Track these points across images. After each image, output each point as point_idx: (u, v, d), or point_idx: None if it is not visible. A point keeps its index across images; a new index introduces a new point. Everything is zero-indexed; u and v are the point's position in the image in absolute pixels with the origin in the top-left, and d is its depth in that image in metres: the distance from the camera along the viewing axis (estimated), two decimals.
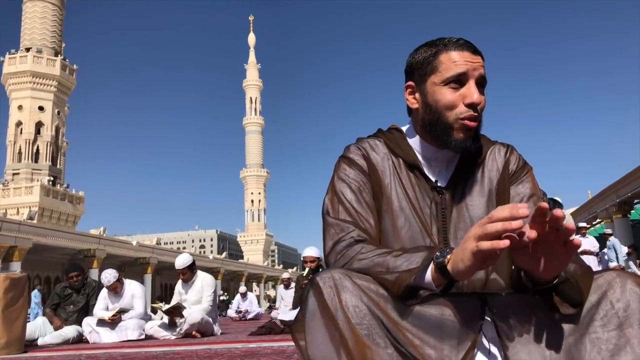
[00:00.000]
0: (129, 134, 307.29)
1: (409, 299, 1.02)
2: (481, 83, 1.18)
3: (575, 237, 0.92)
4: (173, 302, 6.68)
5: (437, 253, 1.01)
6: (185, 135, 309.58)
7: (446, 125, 1.17)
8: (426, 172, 1.25)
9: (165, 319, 6.52)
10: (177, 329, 6.36)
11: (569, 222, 0.91)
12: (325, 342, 0.98)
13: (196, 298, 6.68)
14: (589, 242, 10.01)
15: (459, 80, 1.16)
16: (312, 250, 6.95)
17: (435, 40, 1.23)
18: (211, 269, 42.38)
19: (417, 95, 1.24)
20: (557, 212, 0.88)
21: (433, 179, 1.24)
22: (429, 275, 1.01)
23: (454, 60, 1.16)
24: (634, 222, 22.95)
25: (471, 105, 1.15)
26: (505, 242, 0.86)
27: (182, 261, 6.71)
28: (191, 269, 6.73)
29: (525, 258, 0.97)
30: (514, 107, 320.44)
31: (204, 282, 6.78)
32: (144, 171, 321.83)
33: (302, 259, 7.20)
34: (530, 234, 0.89)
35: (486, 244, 0.88)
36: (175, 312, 6.42)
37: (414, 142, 1.28)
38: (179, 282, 6.91)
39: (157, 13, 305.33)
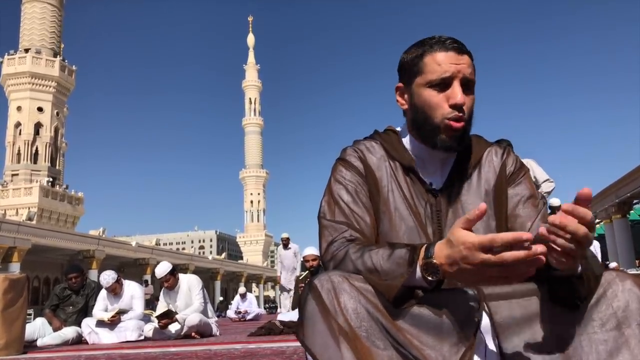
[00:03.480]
0: (128, 134, 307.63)
1: (406, 300, 1.02)
2: (467, 84, 1.19)
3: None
4: (160, 309, 6.55)
5: (423, 266, 0.99)
6: (185, 136, 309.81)
7: (432, 126, 1.18)
8: (421, 173, 1.25)
9: (157, 324, 6.43)
10: (174, 331, 6.34)
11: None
12: (326, 345, 0.98)
13: (186, 302, 6.58)
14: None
15: (443, 83, 1.17)
16: (312, 249, 6.95)
17: (424, 39, 1.23)
18: (210, 270, 42.46)
19: (405, 96, 1.26)
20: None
21: (427, 181, 1.25)
22: (419, 273, 1.01)
23: (439, 63, 1.17)
24: (633, 222, 22.98)
25: (455, 106, 1.16)
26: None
27: (162, 269, 6.56)
28: (173, 275, 6.59)
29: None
30: (513, 105, 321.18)
31: (189, 284, 6.68)
32: (143, 172, 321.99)
33: (302, 258, 7.21)
34: (538, 247, 0.87)
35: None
36: (167, 318, 6.33)
37: (407, 142, 1.29)
38: (162, 291, 6.78)
39: (156, 14, 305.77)
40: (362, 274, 1.05)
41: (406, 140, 1.29)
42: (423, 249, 1.01)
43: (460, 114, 1.17)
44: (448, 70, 1.16)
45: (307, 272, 6.99)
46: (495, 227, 1.22)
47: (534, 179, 5.66)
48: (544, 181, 5.76)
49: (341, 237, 1.17)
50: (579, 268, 1.00)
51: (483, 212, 0.91)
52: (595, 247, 10.21)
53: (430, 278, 0.98)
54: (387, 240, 1.20)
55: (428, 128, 1.19)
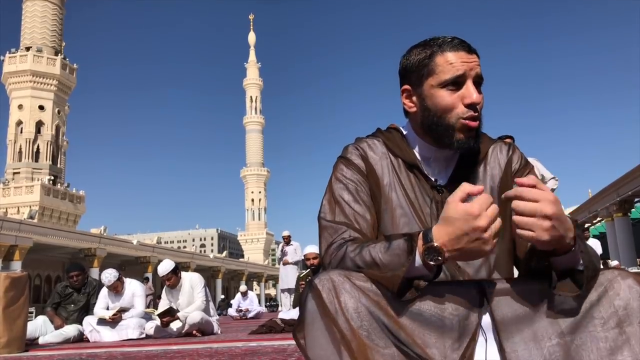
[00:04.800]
0: (129, 133, 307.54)
1: (407, 291, 1.02)
2: (478, 82, 1.18)
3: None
4: (162, 307, 6.55)
5: (424, 251, 1.00)
6: (186, 134, 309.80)
7: (447, 127, 1.17)
8: (425, 171, 1.25)
9: (158, 321, 6.45)
10: (176, 329, 6.34)
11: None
12: (326, 344, 0.98)
13: (188, 300, 6.57)
14: (591, 244, 10.02)
15: (456, 82, 1.16)
16: (313, 247, 6.94)
17: (428, 40, 1.22)
18: (211, 268, 42.46)
19: (414, 98, 1.24)
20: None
21: (432, 178, 1.24)
22: (419, 260, 1.01)
23: (451, 62, 1.16)
24: (635, 220, 22.95)
25: (471, 106, 1.16)
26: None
27: (165, 267, 6.54)
28: (175, 273, 6.59)
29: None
30: (515, 104, 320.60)
31: (192, 282, 6.68)
32: (145, 170, 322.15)
33: (303, 256, 7.20)
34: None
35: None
36: (169, 315, 6.33)
37: (413, 142, 1.28)
38: (164, 289, 6.78)
39: (157, 12, 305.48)
40: (363, 271, 1.05)
41: (411, 140, 1.28)
42: (420, 235, 1.01)
43: (476, 113, 1.16)
44: (461, 69, 1.15)
45: (308, 270, 6.98)
46: None
47: (540, 177, 5.73)
48: (550, 179, 5.95)
49: (340, 238, 1.16)
50: (580, 261, 1.02)
51: (480, 191, 0.98)
52: (596, 246, 10.20)
53: (432, 263, 0.99)
54: None
55: (442, 129, 1.18)
